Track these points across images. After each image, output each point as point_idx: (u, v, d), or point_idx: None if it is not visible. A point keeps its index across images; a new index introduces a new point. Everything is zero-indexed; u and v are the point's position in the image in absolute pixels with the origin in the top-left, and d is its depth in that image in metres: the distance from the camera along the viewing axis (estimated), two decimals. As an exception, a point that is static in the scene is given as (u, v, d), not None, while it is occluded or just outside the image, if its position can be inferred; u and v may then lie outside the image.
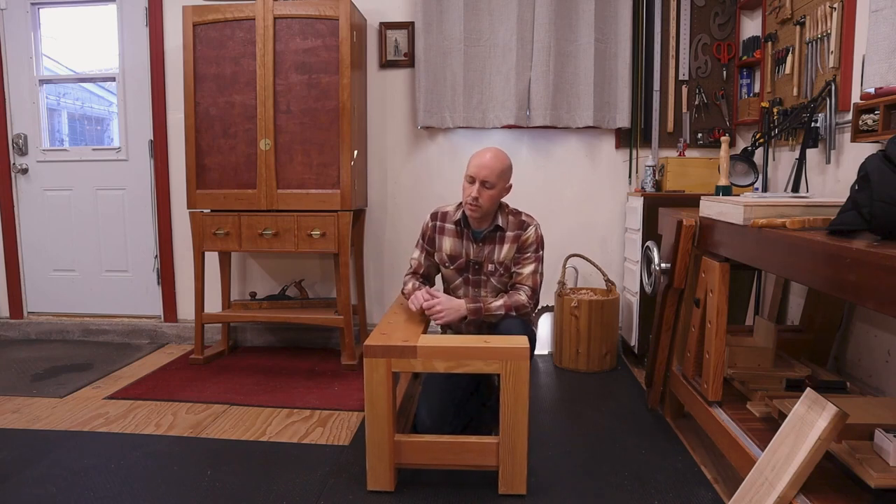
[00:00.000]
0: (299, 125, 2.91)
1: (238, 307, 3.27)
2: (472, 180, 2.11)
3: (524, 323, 2.12)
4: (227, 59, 2.91)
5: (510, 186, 2.20)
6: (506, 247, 2.19)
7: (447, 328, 2.37)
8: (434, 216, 2.28)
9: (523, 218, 2.22)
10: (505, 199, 2.26)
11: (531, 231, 2.19)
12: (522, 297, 2.13)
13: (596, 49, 3.07)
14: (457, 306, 2.10)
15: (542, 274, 2.21)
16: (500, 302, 2.11)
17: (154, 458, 2.06)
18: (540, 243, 2.20)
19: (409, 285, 2.26)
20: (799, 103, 2.51)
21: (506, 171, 2.15)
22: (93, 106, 3.77)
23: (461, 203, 2.21)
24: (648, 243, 2.45)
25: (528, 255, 2.18)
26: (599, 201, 3.31)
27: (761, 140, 2.65)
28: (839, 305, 2.25)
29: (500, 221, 2.18)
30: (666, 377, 2.38)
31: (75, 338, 3.57)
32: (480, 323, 2.15)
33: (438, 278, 2.38)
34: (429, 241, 2.28)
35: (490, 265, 2.20)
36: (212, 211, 3.00)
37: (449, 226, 2.24)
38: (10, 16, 3.46)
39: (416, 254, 2.31)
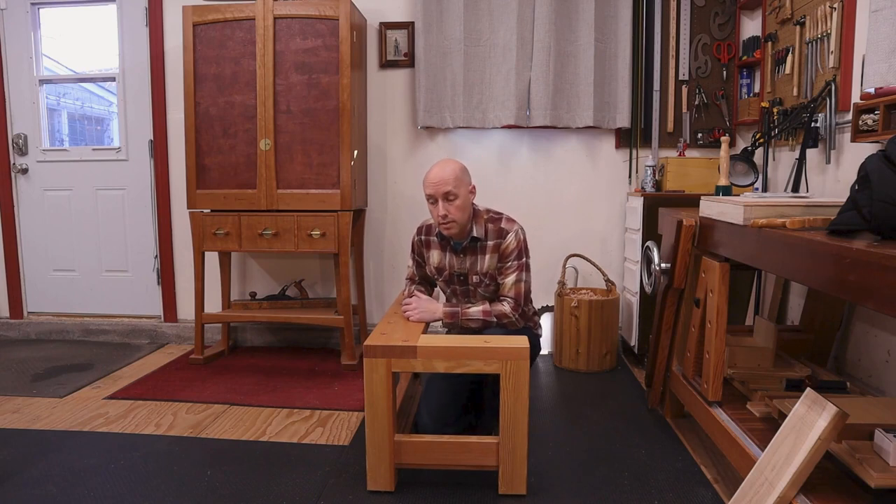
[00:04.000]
0: (299, 125, 2.91)
1: (238, 307, 3.27)
2: (433, 200, 2.05)
3: (511, 333, 2.08)
4: (227, 59, 2.91)
5: (474, 188, 2.13)
6: (487, 257, 2.14)
7: (451, 328, 2.37)
8: (420, 230, 2.29)
9: (502, 225, 2.14)
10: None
11: (510, 238, 2.11)
12: (505, 307, 2.07)
13: (596, 49, 3.07)
14: (433, 308, 2.10)
15: (527, 281, 2.13)
16: (478, 308, 2.09)
17: (154, 458, 2.06)
18: (521, 249, 2.12)
19: (406, 290, 2.30)
20: (799, 103, 2.51)
21: (461, 175, 2.06)
22: (93, 106, 3.77)
23: None
24: (648, 243, 2.45)
25: (510, 263, 2.11)
26: (599, 201, 3.31)
27: (761, 140, 2.65)
28: (839, 305, 2.25)
29: (475, 232, 2.12)
30: (666, 377, 2.38)
31: (75, 338, 3.57)
32: (462, 329, 2.13)
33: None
34: (418, 254, 2.31)
35: (475, 276, 2.18)
36: (212, 211, 2.99)
37: (433, 239, 2.24)
38: (10, 16, 3.46)
39: (410, 262, 2.36)
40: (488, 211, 2.19)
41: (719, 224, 1.90)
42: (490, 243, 2.14)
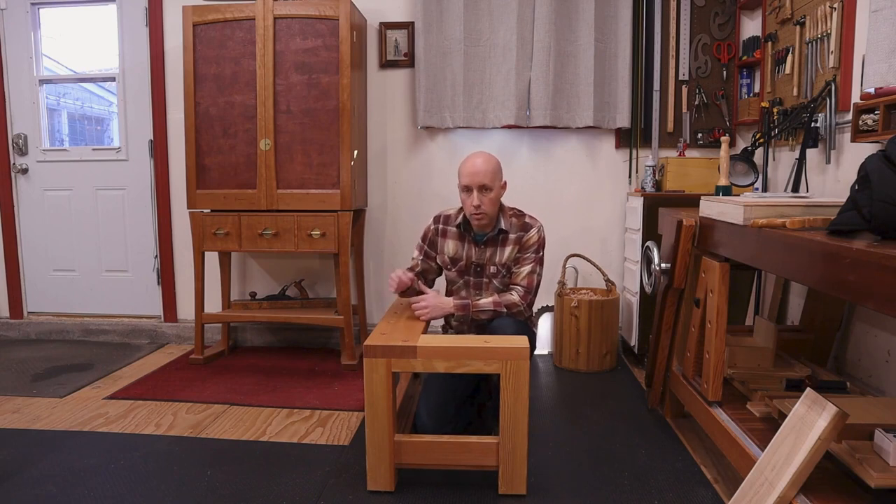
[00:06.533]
0: (299, 125, 2.91)
1: (238, 307, 3.27)
2: (468, 189, 2.11)
3: (518, 322, 2.12)
4: (227, 59, 2.91)
5: (505, 184, 2.20)
6: (508, 249, 2.19)
7: (448, 328, 2.37)
8: (437, 219, 2.31)
9: (527, 220, 2.22)
10: (505, 200, 2.26)
11: (533, 232, 2.20)
12: (514, 296, 2.13)
13: (596, 49, 3.07)
14: (443, 303, 2.12)
15: (539, 275, 2.20)
16: (488, 299, 2.12)
17: (154, 458, 2.06)
18: (541, 244, 2.21)
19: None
20: (799, 103, 2.51)
21: (498, 171, 2.15)
22: (93, 106, 3.77)
23: (461, 207, 2.22)
24: (648, 243, 2.45)
25: (528, 255, 2.19)
26: (599, 201, 3.31)
27: (761, 140, 2.65)
28: (839, 305, 2.25)
29: (502, 224, 2.18)
30: (666, 377, 2.38)
31: (75, 338, 3.57)
32: (472, 321, 2.16)
33: (440, 280, 2.38)
34: (430, 243, 2.30)
35: (492, 267, 2.21)
36: (212, 211, 2.99)
37: (451, 229, 2.26)
38: (10, 16, 3.46)
39: (416, 254, 2.34)
40: (511, 208, 2.27)
41: (719, 224, 1.90)
42: (513, 236, 2.20)
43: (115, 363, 3.13)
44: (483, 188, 2.09)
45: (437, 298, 2.15)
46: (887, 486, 1.34)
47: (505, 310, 2.11)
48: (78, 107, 3.74)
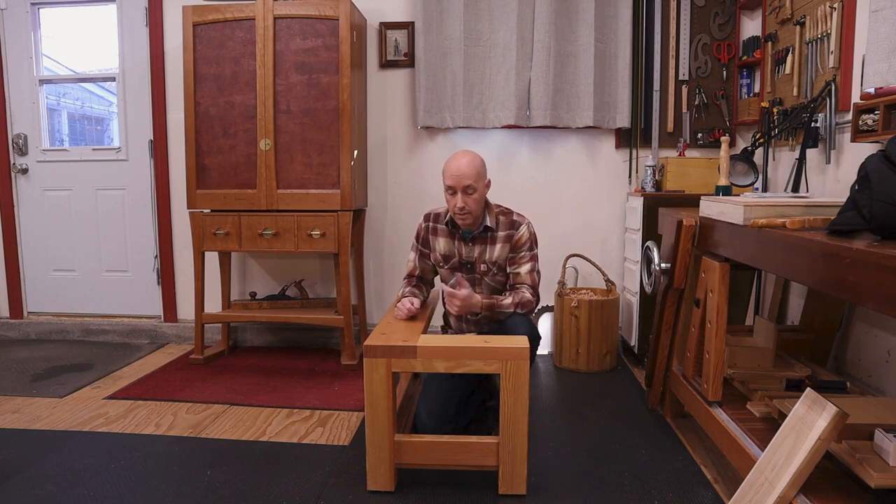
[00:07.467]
0: (299, 125, 2.91)
1: (238, 307, 3.27)
2: (453, 191, 2.10)
3: (530, 323, 2.14)
4: (227, 59, 2.91)
5: (489, 182, 2.19)
6: (498, 246, 2.19)
7: (448, 328, 2.37)
8: (427, 217, 2.30)
9: (514, 217, 2.22)
10: (497, 198, 2.27)
11: (523, 230, 2.19)
12: (528, 294, 2.16)
13: (596, 49, 3.07)
14: (472, 301, 2.12)
15: (539, 271, 2.22)
16: (510, 300, 2.14)
17: (154, 458, 2.06)
18: (533, 241, 2.21)
19: (401, 292, 2.28)
20: (799, 103, 2.51)
21: (482, 171, 2.13)
22: (93, 106, 3.78)
23: None
24: (648, 243, 2.45)
25: (523, 253, 2.18)
26: (599, 201, 3.31)
27: (761, 140, 2.65)
28: (839, 305, 2.25)
29: (488, 222, 2.18)
30: (666, 377, 2.38)
31: (75, 338, 3.57)
32: (487, 320, 2.18)
33: (438, 279, 2.38)
34: (423, 242, 2.30)
35: (482, 265, 2.21)
36: (212, 211, 2.99)
37: (441, 227, 2.25)
38: (10, 16, 3.46)
39: (412, 256, 2.33)
40: (498, 205, 2.26)
41: (719, 224, 1.90)
42: (501, 234, 2.19)
43: (115, 363, 3.13)
44: (467, 189, 2.07)
45: (469, 297, 2.09)
46: (887, 486, 1.34)
47: (522, 310, 2.14)
48: (78, 107, 3.75)
